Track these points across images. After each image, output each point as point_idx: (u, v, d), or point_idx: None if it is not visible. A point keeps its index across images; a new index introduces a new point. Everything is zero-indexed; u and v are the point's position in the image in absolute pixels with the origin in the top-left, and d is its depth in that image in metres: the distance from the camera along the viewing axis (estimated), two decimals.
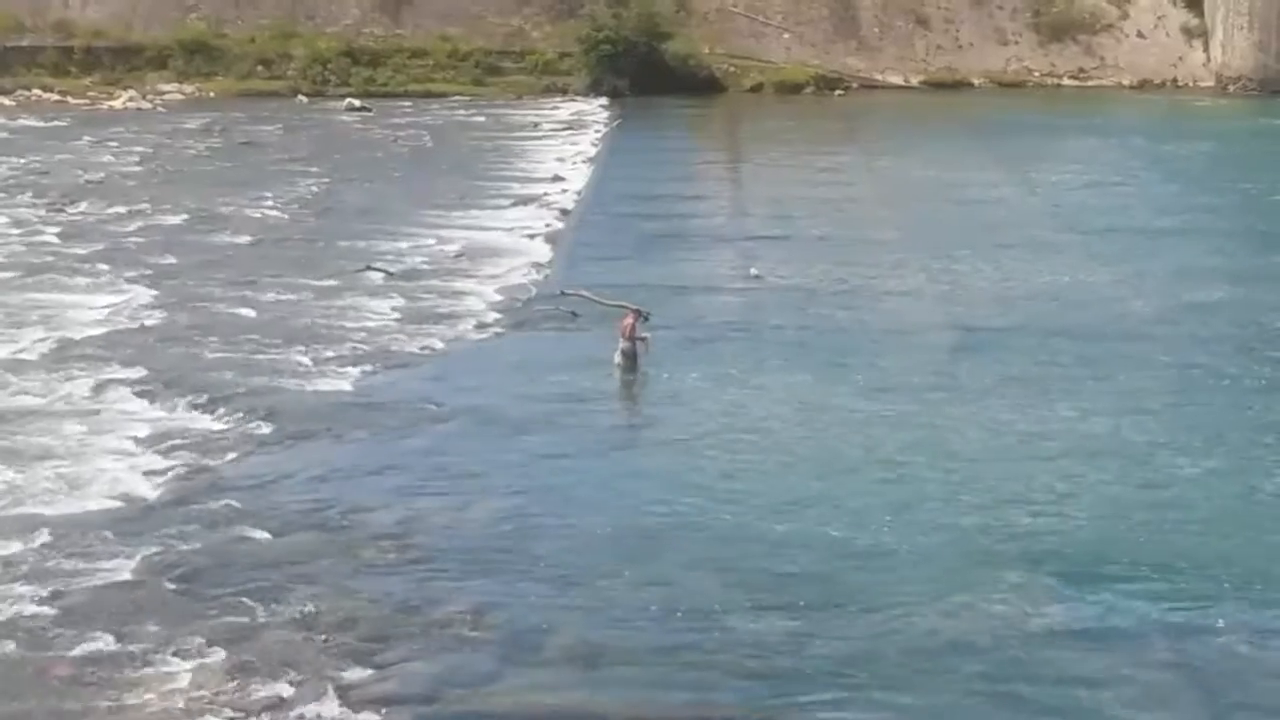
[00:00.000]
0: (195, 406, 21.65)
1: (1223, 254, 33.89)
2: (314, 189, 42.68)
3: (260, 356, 24.38)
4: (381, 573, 16.08)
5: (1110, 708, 13.41)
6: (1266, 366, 24.34)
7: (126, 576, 15.90)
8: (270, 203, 40.04)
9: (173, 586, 15.66)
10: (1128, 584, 15.79)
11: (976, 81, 72.27)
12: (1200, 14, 73.82)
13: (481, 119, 59.95)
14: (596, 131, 56.30)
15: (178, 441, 20.17)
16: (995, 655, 14.27)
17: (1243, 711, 13.53)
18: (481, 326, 26.86)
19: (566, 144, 52.89)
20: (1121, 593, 15.59)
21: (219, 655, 14.12)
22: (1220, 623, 15.01)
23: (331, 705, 13.29)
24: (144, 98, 65.60)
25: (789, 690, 13.66)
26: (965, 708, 13.36)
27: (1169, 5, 74.98)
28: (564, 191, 42.19)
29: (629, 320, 23.92)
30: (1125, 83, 72.74)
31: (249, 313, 27.43)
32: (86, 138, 53.26)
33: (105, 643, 14.37)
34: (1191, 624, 15.01)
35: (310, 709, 13.22)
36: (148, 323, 26.58)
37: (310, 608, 15.12)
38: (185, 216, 37.79)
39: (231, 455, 19.75)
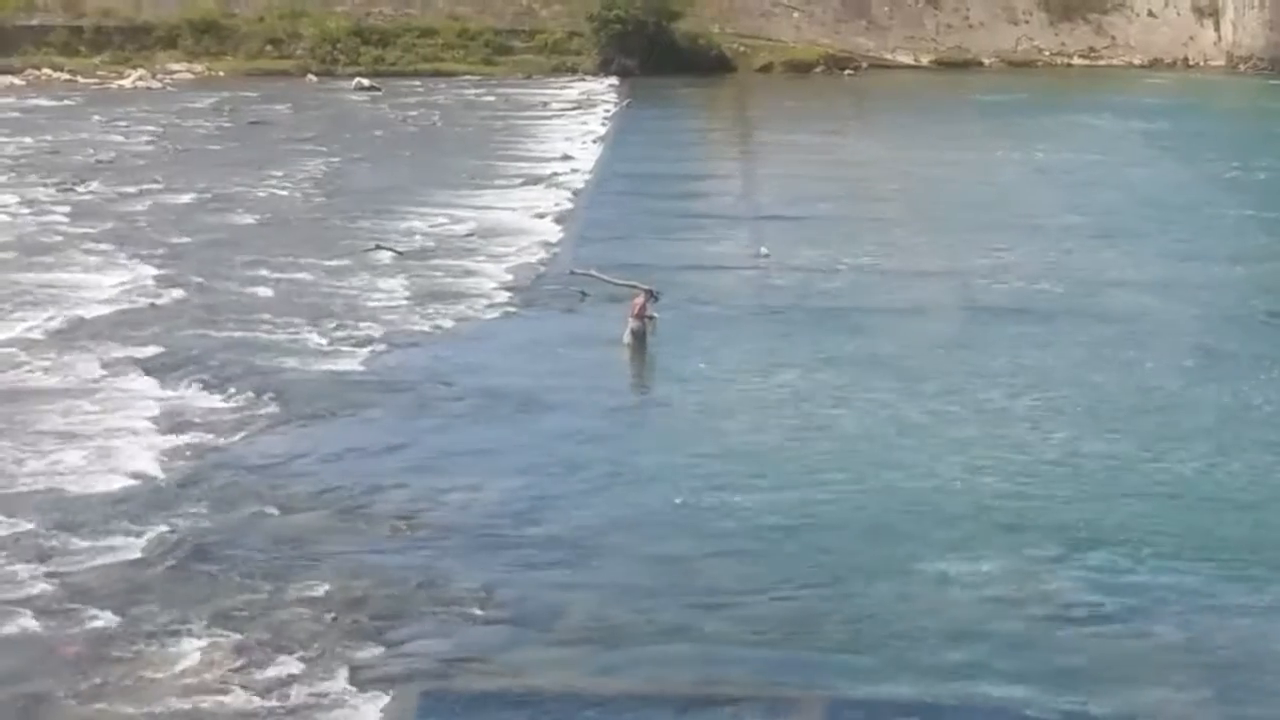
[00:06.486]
0: (205, 385, 21.62)
1: (1223, 234, 33.85)
2: (323, 168, 42.66)
3: (270, 336, 24.39)
4: (392, 551, 16.08)
5: (1115, 679, 13.38)
6: (1267, 345, 24.37)
7: (136, 555, 15.88)
8: (280, 182, 40.05)
9: (182, 565, 15.64)
10: (1138, 559, 15.76)
11: (986, 61, 72.20)
12: None
13: (491, 98, 59.91)
14: (606, 111, 56.27)
15: (188, 420, 20.14)
16: (1005, 631, 14.24)
17: (1243, 687, 13.52)
18: (491, 306, 26.81)
19: (576, 123, 52.88)
20: (1133, 568, 15.57)
21: (228, 634, 14.11)
22: (1227, 599, 15.00)
23: (341, 683, 13.27)
24: (153, 77, 65.66)
25: (800, 667, 13.66)
26: (973, 682, 13.34)
27: None
28: (574, 171, 42.17)
29: (640, 299, 23.93)
30: (1136, 62, 72.62)
31: (259, 292, 27.43)
32: (96, 117, 53.27)
33: (114, 621, 14.36)
34: (1198, 598, 14.99)
35: (320, 687, 13.20)
36: (158, 302, 26.57)
37: (320, 586, 15.12)
38: (195, 196, 37.79)
39: (241, 434, 19.73)
